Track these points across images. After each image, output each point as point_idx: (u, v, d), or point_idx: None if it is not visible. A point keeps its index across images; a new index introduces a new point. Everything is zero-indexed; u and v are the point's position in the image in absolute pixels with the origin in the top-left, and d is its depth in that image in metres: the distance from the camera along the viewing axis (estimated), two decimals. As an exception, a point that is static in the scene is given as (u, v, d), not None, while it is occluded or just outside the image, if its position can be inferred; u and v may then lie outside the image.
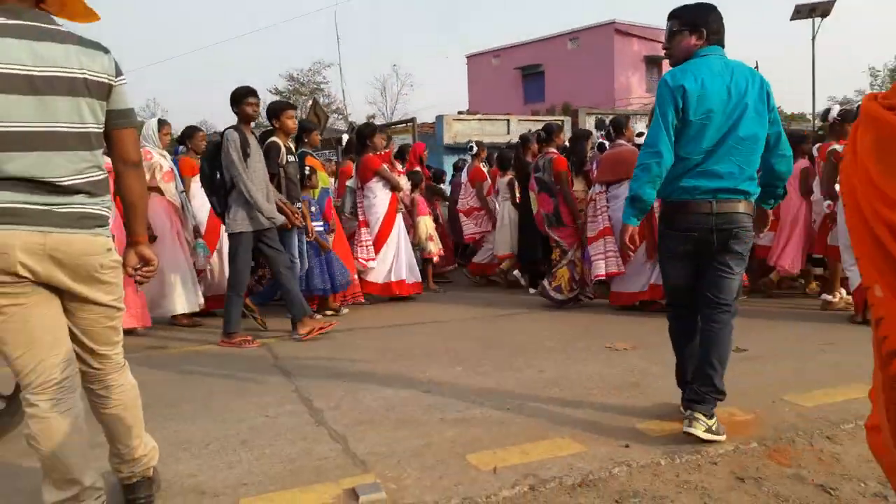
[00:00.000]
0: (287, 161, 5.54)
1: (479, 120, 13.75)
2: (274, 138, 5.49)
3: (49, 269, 2.02)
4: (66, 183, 2.04)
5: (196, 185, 6.16)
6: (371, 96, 59.28)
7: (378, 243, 6.86)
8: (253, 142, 5.12)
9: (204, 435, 3.17)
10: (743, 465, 2.71)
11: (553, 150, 6.70)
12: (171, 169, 5.91)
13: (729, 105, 2.87)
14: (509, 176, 7.90)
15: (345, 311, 6.46)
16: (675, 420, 3.12)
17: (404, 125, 13.28)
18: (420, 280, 7.34)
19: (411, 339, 5.33)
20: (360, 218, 6.89)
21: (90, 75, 2.08)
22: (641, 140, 5.12)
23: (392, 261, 6.98)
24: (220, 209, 5.18)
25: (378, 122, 33.28)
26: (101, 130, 2.16)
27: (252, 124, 5.27)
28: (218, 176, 5.12)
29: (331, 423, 3.30)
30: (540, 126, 14.10)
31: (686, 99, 2.87)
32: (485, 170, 8.53)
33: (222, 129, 5.24)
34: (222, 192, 5.12)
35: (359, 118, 34.08)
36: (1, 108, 1.93)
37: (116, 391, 2.29)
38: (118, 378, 2.30)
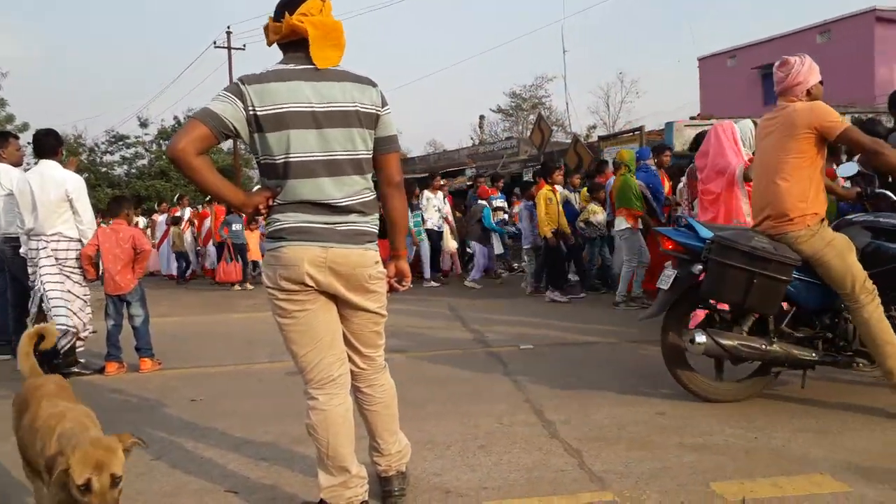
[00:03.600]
0: None
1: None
2: None
3: (329, 279, 2.31)
4: (343, 204, 2.32)
5: None
6: (593, 106, 58.67)
7: None
8: None
9: (445, 437, 3.37)
10: None
11: None
12: None
13: None
14: None
15: None
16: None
17: (631, 133, 12.89)
18: None
19: (638, 355, 5.18)
20: None
21: (361, 108, 2.34)
22: None
23: None
24: None
25: (600, 132, 32.85)
26: (371, 156, 2.41)
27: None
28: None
29: (564, 436, 3.33)
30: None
31: None
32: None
33: None
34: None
35: (580, 129, 33.98)
36: (294, 142, 2.25)
37: (379, 390, 2.55)
38: (380, 378, 2.56)
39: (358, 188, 2.36)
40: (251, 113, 2.22)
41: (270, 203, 2.33)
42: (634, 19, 66.99)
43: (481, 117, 38.55)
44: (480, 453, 3.14)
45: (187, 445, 3.43)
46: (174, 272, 14.43)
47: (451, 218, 11.70)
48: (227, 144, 30.83)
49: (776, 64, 3.69)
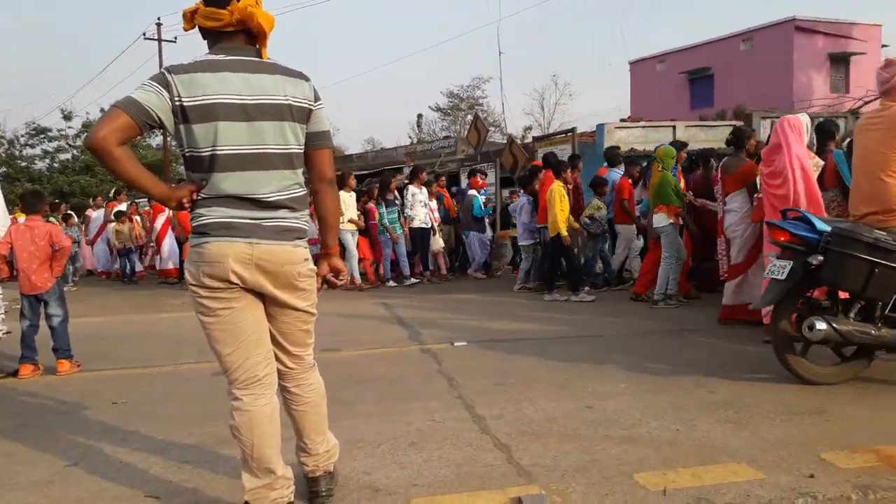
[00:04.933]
0: None
1: (643, 127, 13.25)
2: None
3: (255, 277, 2.25)
4: (271, 199, 2.26)
5: None
6: (528, 107, 59.53)
7: None
8: None
9: (376, 435, 3.35)
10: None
11: None
12: None
13: None
14: None
15: None
16: (867, 451, 2.86)
17: (564, 135, 13.10)
18: None
19: (573, 351, 5.28)
20: None
21: (293, 101, 2.29)
22: None
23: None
24: None
25: (535, 133, 33.30)
26: (302, 151, 2.37)
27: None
28: None
29: (494, 431, 3.36)
30: (708, 131, 13.34)
31: None
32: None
33: None
34: None
35: (515, 130, 34.40)
36: (222, 134, 2.18)
37: (307, 389, 2.51)
38: (309, 377, 2.52)
39: (287, 183, 2.31)
40: (177, 103, 2.14)
41: (195, 197, 2.25)
42: (569, 24, 68.27)
43: (419, 116, 38.67)
44: (411, 451, 3.13)
45: (106, 450, 3.30)
46: (110, 269, 13.86)
47: (437, 215, 11.12)
48: (156, 141, 29.88)
49: (880, 65, 3.89)
